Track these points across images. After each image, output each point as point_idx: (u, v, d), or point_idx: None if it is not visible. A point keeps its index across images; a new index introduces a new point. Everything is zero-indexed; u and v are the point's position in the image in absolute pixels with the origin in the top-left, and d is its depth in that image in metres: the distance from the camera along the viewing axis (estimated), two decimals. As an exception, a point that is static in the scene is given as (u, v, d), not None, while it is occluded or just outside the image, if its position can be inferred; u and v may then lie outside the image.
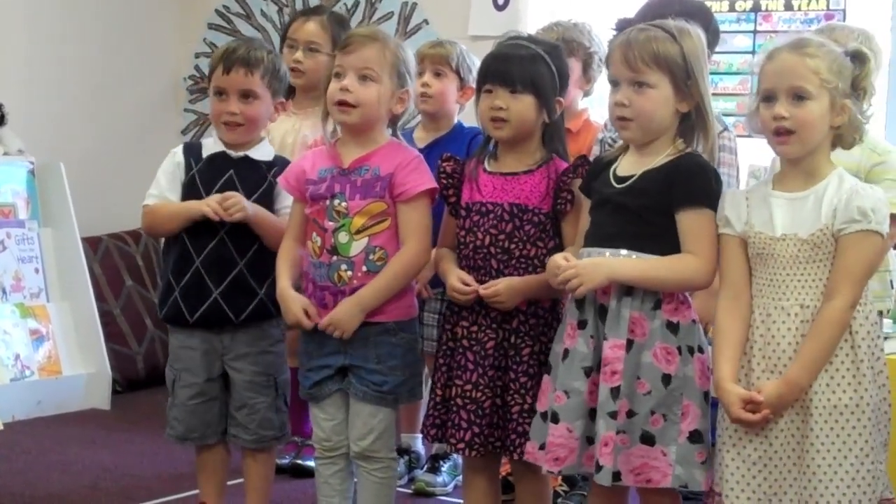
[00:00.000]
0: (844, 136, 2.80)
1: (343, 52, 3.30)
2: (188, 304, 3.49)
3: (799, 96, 2.73)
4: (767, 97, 2.78)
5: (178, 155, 3.58)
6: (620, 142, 3.82)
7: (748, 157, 4.36)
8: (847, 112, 2.76)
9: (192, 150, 3.59)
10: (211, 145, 3.57)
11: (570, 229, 3.14)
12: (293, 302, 3.28)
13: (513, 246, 3.16)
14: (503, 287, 3.13)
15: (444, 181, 3.29)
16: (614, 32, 3.11)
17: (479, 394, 3.16)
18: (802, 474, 2.72)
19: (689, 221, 2.88)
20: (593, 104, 4.40)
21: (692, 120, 2.96)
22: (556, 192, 3.15)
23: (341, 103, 3.25)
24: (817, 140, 2.76)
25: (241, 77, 3.48)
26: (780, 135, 2.76)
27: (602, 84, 4.28)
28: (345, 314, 3.22)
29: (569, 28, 4.18)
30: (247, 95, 3.48)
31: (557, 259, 2.94)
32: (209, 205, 3.40)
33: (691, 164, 2.92)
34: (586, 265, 2.89)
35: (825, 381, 2.71)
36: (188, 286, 3.49)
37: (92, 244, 5.81)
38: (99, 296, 5.64)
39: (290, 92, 4.28)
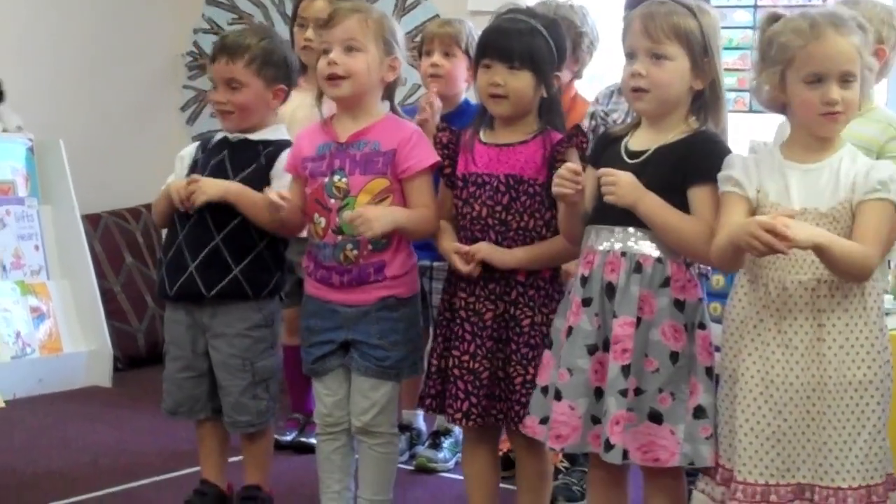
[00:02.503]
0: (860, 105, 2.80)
1: (327, 27, 3.31)
2: (169, 278, 3.50)
3: (847, 79, 2.72)
4: (812, 81, 2.73)
5: (190, 147, 3.64)
6: (615, 115, 3.84)
7: (748, 132, 4.36)
8: (870, 83, 2.78)
9: (204, 140, 3.64)
10: (222, 132, 3.59)
11: None
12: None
13: (510, 217, 3.17)
14: (482, 246, 3.15)
15: (440, 152, 3.29)
16: (625, 11, 3.10)
17: (476, 364, 3.17)
18: (818, 450, 2.73)
19: (704, 196, 2.88)
20: (583, 86, 4.39)
21: (705, 98, 2.95)
22: (552, 162, 3.14)
23: (331, 77, 3.26)
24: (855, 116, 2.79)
25: (224, 66, 3.48)
26: (831, 115, 2.73)
27: (596, 66, 4.28)
28: (378, 214, 3.18)
29: (561, 6, 4.11)
30: (231, 84, 3.48)
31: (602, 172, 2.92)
32: (177, 188, 3.41)
33: (707, 140, 2.92)
34: (626, 182, 2.85)
35: (840, 358, 2.71)
36: (170, 260, 3.51)
37: (92, 221, 5.81)
38: (99, 273, 5.64)
39: (303, 69, 4.28)
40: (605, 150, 3.04)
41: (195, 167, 3.55)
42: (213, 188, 3.39)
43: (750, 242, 2.60)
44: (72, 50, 6.05)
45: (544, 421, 2.99)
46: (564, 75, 4.08)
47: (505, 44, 3.17)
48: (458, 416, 3.20)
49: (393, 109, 3.40)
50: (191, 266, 3.45)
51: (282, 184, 3.43)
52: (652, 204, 2.86)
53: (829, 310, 2.73)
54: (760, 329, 2.78)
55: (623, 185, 2.86)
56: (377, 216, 3.17)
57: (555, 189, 2.95)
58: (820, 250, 2.62)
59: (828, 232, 2.66)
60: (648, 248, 2.90)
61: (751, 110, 5.01)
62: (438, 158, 3.27)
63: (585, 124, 3.90)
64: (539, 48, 3.18)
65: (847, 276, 2.69)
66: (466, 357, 3.19)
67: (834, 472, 2.71)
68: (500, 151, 3.21)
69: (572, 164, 2.95)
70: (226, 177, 3.48)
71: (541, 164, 3.16)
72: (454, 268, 3.21)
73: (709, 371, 2.90)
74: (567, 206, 2.99)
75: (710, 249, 2.82)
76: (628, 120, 3.38)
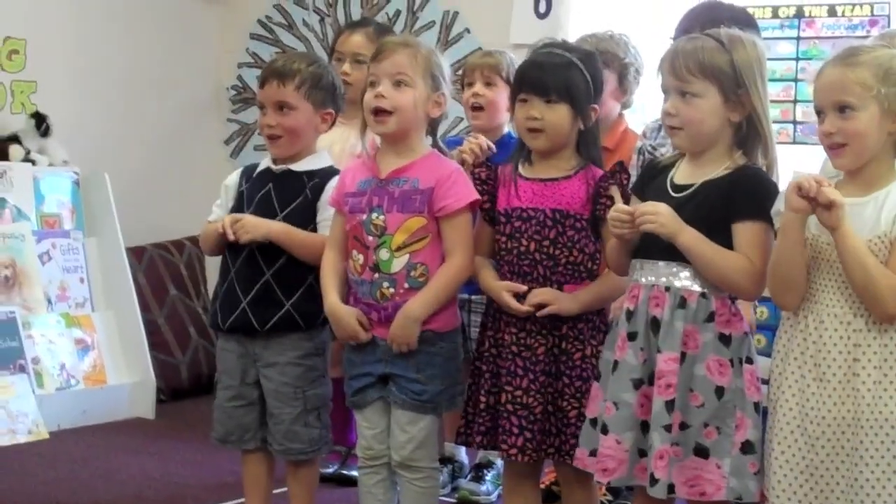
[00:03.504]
0: None
1: (375, 60, 3.32)
2: (222, 312, 3.53)
3: (842, 108, 2.69)
4: (818, 113, 2.75)
5: (234, 175, 3.66)
6: (663, 150, 3.84)
7: (792, 163, 4.35)
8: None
9: (247, 170, 3.65)
10: (265, 162, 3.61)
11: (609, 232, 3.10)
12: (348, 316, 3.29)
13: (558, 252, 3.17)
14: (545, 295, 3.15)
15: (479, 188, 3.29)
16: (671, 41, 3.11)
17: (530, 399, 3.16)
18: (850, 486, 2.69)
19: (747, 232, 2.87)
20: (633, 114, 4.39)
21: (744, 130, 2.94)
22: (595, 197, 3.16)
23: (378, 111, 3.26)
24: (872, 149, 2.71)
25: (274, 89, 3.49)
26: (833, 148, 2.73)
27: (641, 94, 4.29)
28: (399, 330, 3.23)
29: (603, 39, 4.15)
30: (281, 107, 3.49)
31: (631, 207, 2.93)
32: (223, 224, 3.46)
33: (752, 177, 2.91)
34: (667, 212, 2.86)
35: (877, 394, 2.67)
36: (224, 295, 3.53)
37: (136, 254, 5.82)
38: (143, 305, 5.65)
39: None
40: (652, 180, 3.05)
41: (241, 198, 3.57)
42: (256, 229, 3.43)
43: (798, 183, 2.62)
44: (117, 84, 6.09)
45: (594, 453, 2.99)
46: (613, 107, 4.13)
47: (541, 77, 3.18)
48: (514, 451, 3.17)
49: (435, 144, 3.40)
50: (243, 302, 3.48)
51: (326, 217, 3.45)
52: (691, 235, 2.86)
53: (865, 344, 2.69)
54: (800, 362, 2.75)
55: (664, 213, 2.87)
56: (402, 332, 3.23)
57: (614, 232, 2.96)
58: (847, 240, 2.62)
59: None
60: (692, 284, 2.90)
61: (794, 142, 5.01)
62: (477, 196, 3.26)
63: (633, 159, 3.94)
64: (575, 81, 3.19)
65: (870, 296, 2.65)
66: (519, 392, 3.17)
67: None
68: (544, 186, 3.21)
69: (626, 207, 2.95)
70: (272, 210, 3.50)
71: (585, 199, 3.17)
72: (507, 307, 3.19)
73: (756, 406, 2.88)
74: (621, 242, 3.00)
75: (754, 279, 2.84)
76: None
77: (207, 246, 3.63)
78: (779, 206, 2.81)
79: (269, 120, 3.50)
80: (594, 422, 3.01)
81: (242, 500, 3.72)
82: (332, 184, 3.47)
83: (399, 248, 3.24)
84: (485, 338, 3.30)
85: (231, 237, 3.43)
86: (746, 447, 2.85)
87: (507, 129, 4.16)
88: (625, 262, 3.03)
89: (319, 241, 3.43)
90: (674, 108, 2.93)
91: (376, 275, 3.26)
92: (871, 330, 2.69)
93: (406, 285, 3.24)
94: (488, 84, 4.14)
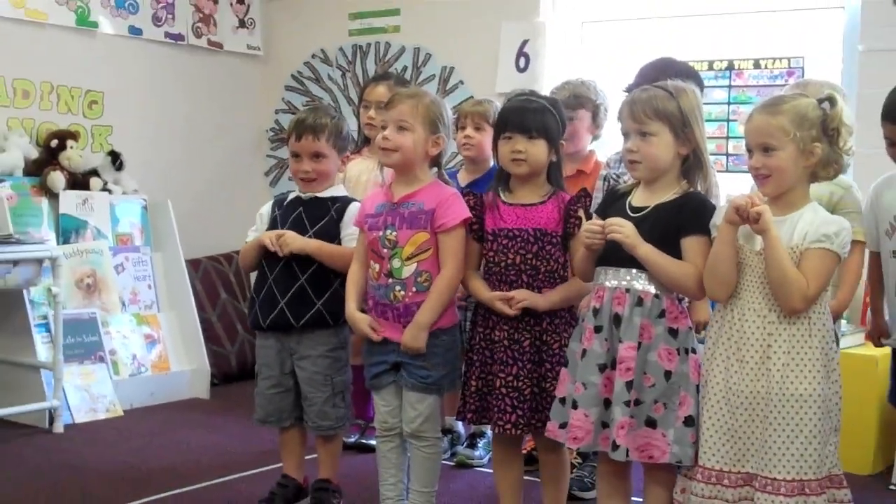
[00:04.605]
0: (817, 172, 2.77)
1: (386, 108, 3.34)
2: (262, 312, 3.52)
3: (766, 149, 2.73)
4: (748, 150, 2.79)
5: (267, 206, 3.66)
6: (625, 178, 3.85)
7: (725, 188, 4.36)
8: (817, 153, 2.73)
9: (277, 200, 3.65)
10: (294, 193, 3.61)
11: (577, 245, 3.11)
12: (361, 322, 3.31)
13: (539, 263, 3.17)
14: (522, 294, 3.15)
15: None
16: (626, 94, 3.13)
17: (520, 383, 3.16)
18: (761, 446, 2.72)
19: (693, 245, 2.88)
20: (600, 146, 4.40)
21: (690, 162, 2.96)
22: (566, 217, 3.17)
23: (384, 149, 3.29)
24: (791, 180, 2.74)
25: (311, 142, 3.50)
26: (759, 178, 2.77)
27: (608, 129, 4.30)
28: (409, 337, 3.23)
29: (578, 85, 4.17)
30: (316, 156, 3.51)
31: (604, 222, 2.93)
32: (269, 237, 3.47)
33: (696, 200, 2.93)
34: (630, 226, 2.88)
35: (784, 374, 2.69)
36: (263, 298, 3.52)
37: (194, 265, 5.83)
38: (199, 306, 5.66)
39: (366, 140, 4.34)
40: (613, 203, 3.06)
41: (275, 222, 3.56)
42: (296, 243, 3.44)
43: (735, 202, 2.68)
44: (177, 127, 6.10)
45: (563, 426, 2.99)
46: (587, 139, 4.14)
47: (523, 119, 3.19)
48: (508, 426, 3.16)
49: (441, 175, 3.40)
50: (281, 302, 3.47)
51: (349, 233, 3.47)
52: (648, 247, 2.87)
53: (777, 333, 2.72)
54: (726, 346, 2.78)
55: (628, 226, 2.89)
56: (411, 339, 3.23)
57: (585, 242, 2.97)
58: (772, 242, 2.67)
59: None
60: (648, 286, 2.91)
61: (727, 170, 5.04)
62: (469, 215, 3.26)
63: (599, 185, 3.92)
64: (550, 122, 3.21)
65: (782, 291, 2.68)
66: (511, 378, 3.16)
67: (772, 466, 2.69)
68: (525, 210, 3.21)
69: (598, 220, 2.96)
70: (304, 227, 3.49)
71: (558, 219, 3.18)
72: (501, 312, 3.18)
73: (698, 388, 2.88)
74: (589, 252, 3.01)
75: (699, 282, 2.85)
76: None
77: (246, 263, 3.61)
78: (715, 220, 2.84)
79: (305, 167, 3.51)
80: (563, 400, 3.01)
81: (280, 465, 3.72)
82: (353, 207, 3.49)
83: (408, 258, 3.24)
84: (475, 334, 3.28)
85: (278, 251, 3.43)
86: (688, 421, 2.86)
87: (492, 162, 4.15)
88: (590, 269, 3.04)
89: (346, 252, 3.44)
90: (635, 146, 2.94)
91: (390, 280, 3.26)
92: (781, 322, 2.72)
93: (414, 289, 3.24)
94: (477, 128, 4.12)
